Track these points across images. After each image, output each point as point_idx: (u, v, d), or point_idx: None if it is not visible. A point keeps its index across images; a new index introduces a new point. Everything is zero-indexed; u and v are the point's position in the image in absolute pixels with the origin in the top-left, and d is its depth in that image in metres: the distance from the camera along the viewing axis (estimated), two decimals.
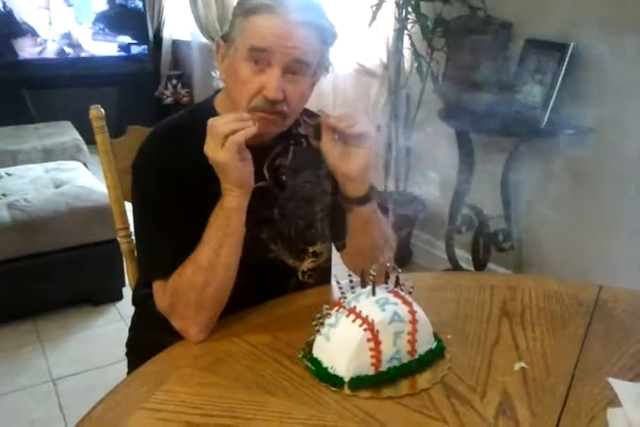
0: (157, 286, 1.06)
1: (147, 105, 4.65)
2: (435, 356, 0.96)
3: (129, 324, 1.35)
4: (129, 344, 1.31)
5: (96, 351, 2.21)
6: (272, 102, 1.00)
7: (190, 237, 1.02)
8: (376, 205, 1.10)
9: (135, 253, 1.36)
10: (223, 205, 1.00)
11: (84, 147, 3.67)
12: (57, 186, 2.63)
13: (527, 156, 2.41)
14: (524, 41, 2.28)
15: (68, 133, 3.75)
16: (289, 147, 1.12)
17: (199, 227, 1.02)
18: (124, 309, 2.47)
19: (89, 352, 2.21)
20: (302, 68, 1.01)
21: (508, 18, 2.34)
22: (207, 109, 1.12)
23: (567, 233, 2.36)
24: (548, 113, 2.16)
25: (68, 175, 2.73)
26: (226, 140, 0.94)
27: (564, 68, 2.11)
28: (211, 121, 0.97)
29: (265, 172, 1.11)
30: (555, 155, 2.31)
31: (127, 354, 1.31)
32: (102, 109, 1.33)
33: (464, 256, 2.68)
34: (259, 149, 1.08)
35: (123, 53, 4.71)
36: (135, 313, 1.30)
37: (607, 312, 1.07)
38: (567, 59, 2.09)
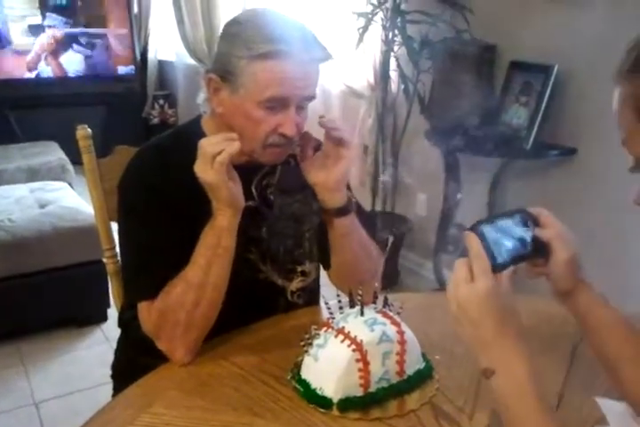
0: (143, 308, 1.05)
1: (133, 125, 4.65)
2: (423, 376, 0.95)
3: (114, 346, 1.33)
4: (114, 367, 1.29)
5: (80, 374, 2.17)
6: (289, 139, 1.02)
7: (177, 257, 1.01)
8: (356, 219, 1.12)
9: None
10: (214, 225, 1.00)
11: (70, 167, 3.65)
12: (42, 206, 2.61)
13: (513, 176, 2.44)
14: (508, 63, 2.32)
15: (53, 153, 3.74)
16: (276, 166, 1.13)
17: (186, 247, 1.01)
18: (109, 330, 2.44)
19: (72, 375, 2.17)
20: (309, 101, 1.04)
21: (493, 40, 2.38)
22: (194, 131, 1.12)
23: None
24: (533, 134, 2.19)
25: (54, 195, 2.72)
26: (214, 161, 0.95)
27: (548, 90, 2.14)
28: (200, 142, 0.98)
29: (253, 191, 1.11)
30: (540, 175, 2.33)
31: (112, 377, 1.29)
32: (89, 129, 1.33)
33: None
34: (247, 169, 1.08)
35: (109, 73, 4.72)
36: (121, 336, 1.28)
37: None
38: (552, 80, 2.13)
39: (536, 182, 2.38)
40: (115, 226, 1.34)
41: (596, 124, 2.12)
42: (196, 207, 1.01)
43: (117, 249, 1.34)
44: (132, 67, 4.73)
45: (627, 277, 2.04)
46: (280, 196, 1.13)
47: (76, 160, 3.83)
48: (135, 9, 4.73)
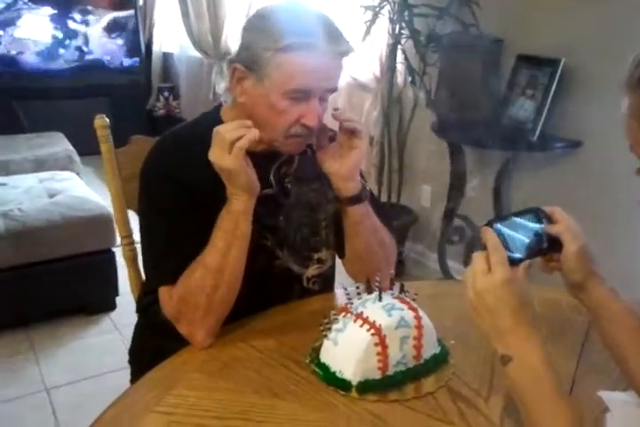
0: (164, 292, 1.07)
1: (138, 117, 4.66)
2: (439, 361, 0.98)
3: (123, 334, 1.35)
4: (132, 352, 1.31)
5: (89, 361, 2.20)
6: (311, 130, 1.05)
7: (197, 243, 1.04)
8: (370, 207, 1.14)
9: (138, 260, 1.37)
10: (230, 209, 1.02)
11: (77, 158, 3.67)
12: (51, 196, 2.63)
13: (519, 168, 2.46)
14: (515, 56, 2.33)
15: (59, 144, 3.75)
16: (294, 155, 1.15)
17: (206, 233, 1.04)
18: (118, 318, 2.48)
19: (83, 362, 2.20)
20: (331, 93, 1.07)
21: (500, 34, 2.40)
22: (214, 120, 1.14)
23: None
24: (539, 127, 2.21)
25: (62, 185, 2.74)
26: (232, 147, 0.97)
27: (555, 84, 2.16)
28: (216, 128, 1.00)
29: (271, 179, 1.13)
30: (545, 167, 2.36)
31: (130, 362, 1.31)
32: (107, 119, 1.35)
33: (456, 267, 2.72)
34: (265, 157, 1.10)
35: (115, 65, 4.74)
36: (139, 321, 1.30)
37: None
38: (558, 74, 2.15)
39: (541, 174, 2.40)
40: (132, 214, 1.37)
41: (602, 117, 2.14)
42: (214, 195, 1.03)
43: (135, 237, 1.38)
44: (137, 59, 4.74)
45: (631, 267, 2.07)
46: (297, 184, 1.16)
47: (82, 151, 3.88)
48: (140, 1, 4.73)
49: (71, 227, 2.41)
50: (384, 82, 2.80)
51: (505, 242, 0.77)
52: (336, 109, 1.09)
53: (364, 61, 2.85)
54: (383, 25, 2.61)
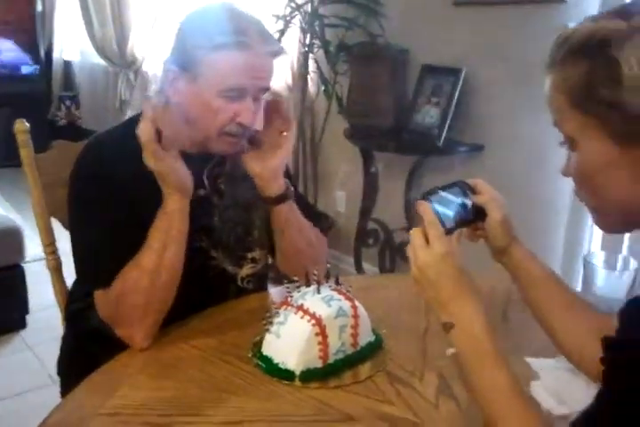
0: (99, 296, 1.07)
1: (39, 126, 4.43)
2: (374, 347, 1.04)
3: (35, 352, 1.31)
4: (61, 363, 1.28)
5: (1, 382, 2.09)
6: (246, 128, 1.07)
7: (132, 244, 1.04)
8: (295, 206, 1.18)
9: (62, 270, 1.35)
10: (165, 210, 1.03)
11: None
12: None
13: (427, 171, 2.59)
14: (420, 66, 2.47)
15: None
16: (226, 156, 1.18)
17: (140, 234, 1.04)
18: (29, 337, 2.37)
19: None
20: (264, 93, 1.09)
21: (406, 45, 2.53)
22: None
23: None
24: (444, 133, 2.35)
25: None
26: (149, 151, 0.99)
27: (457, 92, 2.31)
28: (137, 131, 1.00)
29: (205, 180, 1.15)
30: (451, 170, 2.50)
31: (59, 374, 1.28)
32: (27, 123, 1.32)
33: (371, 269, 2.81)
34: (199, 159, 1.13)
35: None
36: (68, 330, 1.28)
37: (521, 302, 1.20)
38: (460, 83, 2.30)
39: (448, 177, 2.47)
40: (54, 222, 1.35)
41: (501, 122, 2.31)
42: (149, 195, 1.04)
43: (58, 245, 1.35)
44: (37, 66, 4.56)
45: None
46: (230, 185, 1.18)
47: None
48: (39, 7, 4.56)
49: None
50: (296, 90, 2.87)
51: (437, 214, 0.83)
52: (279, 96, 1.12)
53: (276, 70, 2.90)
54: (294, 34, 2.68)
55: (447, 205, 0.86)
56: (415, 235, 0.81)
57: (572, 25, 0.72)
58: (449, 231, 0.83)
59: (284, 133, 1.13)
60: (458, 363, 0.79)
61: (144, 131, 0.98)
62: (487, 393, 0.74)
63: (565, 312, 0.88)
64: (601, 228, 0.78)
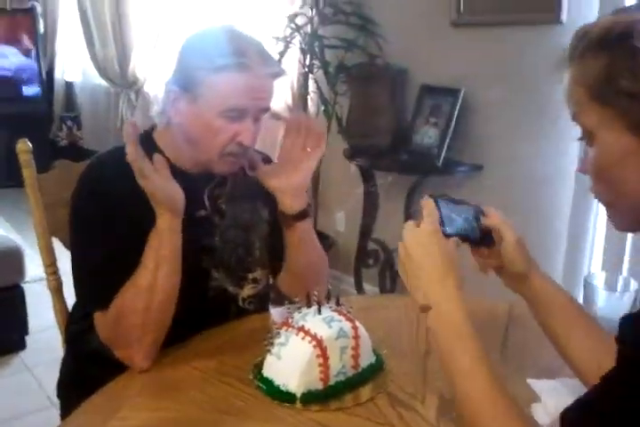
0: (98, 317, 1.07)
1: (41, 147, 4.47)
2: (375, 369, 1.03)
3: (35, 373, 1.30)
4: (61, 386, 1.27)
5: (2, 403, 2.07)
6: (246, 148, 1.08)
7: (132, 266, 1.04)
8: (311, 225, 1.19)
9: (63, 291, 1.35)
10: (156, 228, 1.04)
11: None
12: None
13: (426, 191, 2.60)
14: (419, 86, 2.49)
15: None
16: (227, 177, 1.18)
17: (139, 254, 1.04)
18: (28, 358, 2.35)
19: None
20: (264, 113, 1.11)
21: (405, 65, 2.55)
22: (147, 144, 1.16)
23: (469, 257, 2.55)
24: (443, 153, 2.36)
25: None
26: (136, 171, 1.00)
27: (456, 112, 2.33)
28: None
29: (205, 201, 1.16)
30: (450, 190, 2.50)
31: (60, 396, 1.27)
32: (29, 143, 1.34)
33: (371, 290, 2.81)
34: (199, 179, 1.14)
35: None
36: (68, 352, 1.27)
37: (521, 324, 1.19)
38: (459, 103, 2.31)
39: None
40: (55, 241, 1.35)
41: (500, 142, 2.33)
42: (149, 213, 1.04)
43: (59, 265, 1.35)
44: (38, 87, 4.60)
45: None
46: (231, 205, 1.19)
47: None
48: (41, 29, 4.61)
49: None
50: (296, 110, 2.89)
51: (441, 216, 0.82)
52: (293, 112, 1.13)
53: (276, 91, 2.93)
54: (294, 55, 2.71)
55: (454, 213, 0.85)
56: (409, 223, 0.82)
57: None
58: (448, 235, 0.82)
59: (309, 150, 1.13)
60: (434, 344, 0.78)
61: (128, 151, 1.00)
62: (461, 380, 0.74)
63: (585, 339, 0.87)
64: (615, 226, 0.77)
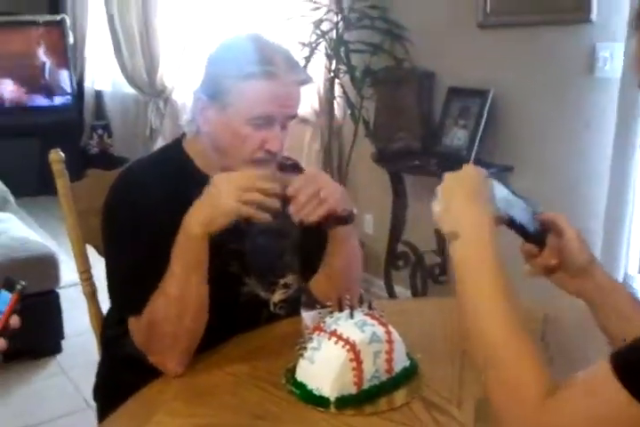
0: (132, 323, 1.08)
1: (72, 155, 4.54)
2: (410, 373, 1.02)
3: (70, 376, 1.32)
4: (97, 389, 1.29)
5: (38, 406, 2.12)
6: (274, 155, 1.08)
7: (162, 271, 1.05)
8: (354, 229, 1.19)
9: (97, 296, 1.37)
10: (188, 236, 1.02)
11: (11, 198, 3.55)
12: None
13: None
14: (447, 89, 2.48)
15: None
16: None
17: (169, 261, 1.05)
18: (65, 362, 2.40)
19: (31, 408, 2.11)
20: (291, 120, 1.12)
21: (432, 68, 2.54)
22: (177, 152, 1.17)
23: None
24: (473, 154, 2.34)
25: (0, 227, 2.66)
26: (243, 193, 0.99)
27: (485, 113, 2.31)
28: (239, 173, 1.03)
29: None
30: None
31: (96, 399, 1.29)
32: (62, 153, 1.36)
33: (403, 292, 2.79)
34: None
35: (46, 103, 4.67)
36: (104, 357, 1.29)
37: (557, 327, 1.18)
38: (488, 104, 2.29)
39: None
40: (90, 249, 1.37)
41: (530, 143, 2.30)
42: (179, 221, 1.03)
43: (93, 271, 1.37)
44: (69, 97, 4.69)
45: None
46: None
47: (16, 192, 3.76)
48: (70, 40, 4.71)
49: (13, 268, 2.33)
50: (323, 115, 2.90)
51: (494, 199, 0.78)
52: None
53: (303, 97, 2.94)
54: (320, 61, 2.72)
55: (512, 202, 0.81)
56: None
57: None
58: (506, 223, 0.79)
59: None
60: (457, 275, 0.73)
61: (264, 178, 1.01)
62: (480, 317, 0.70)
63: None
64: None
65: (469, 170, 0.80)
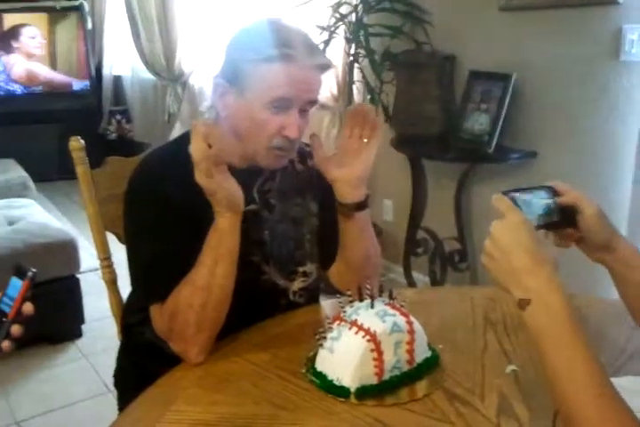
0: (155, 310, 1.07)
1: (90, 141, 4.54)
2: (431, 364, 1.01)
3: (91, 361, 1.32)
4: (117, 375, 1.30)
5: (59, 391, 2.15)
6: (292, 141, 1.07)
7: (186, 260, 1.04)
8: (369, 215, 1.18)
9: (117, 283, 1.37)
10: (216, 227, 1.03)
11: (31, 184, 3.59)
12: (10, 223, 2.58)
13: (477, 179, 2.55)
14: (468, 72, 2.43)
15: (12, 171, 3.67)
16: (276, 171, 1.18)
17: (194, 250, 1.05)
18: (85, 346, 2.42)
19: (52, 392, 2.14)
20: (311, 106, 1.09)
21: (452, 51, 2.50)
22: None
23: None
24: (495, 139, 2.30)
25: (21, 212, 2.68)
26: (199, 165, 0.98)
27: (508, 97, 2.26)
28: (189, 149, 0.99)
29: (255, 195, 1.15)
30: (503, 178, 2.45)
31: (116, 385, 1.30)
32: (82, 140, 1.35)
33: (421, 279, 2.77)
34: (248, 174, 1.13)
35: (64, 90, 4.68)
36: (123, 343, 1.29)
37: (580, 317, 1.15)
38: (510, 88, 2.25)
39: (499, 185, 2.48)
40: (110, 236, 1.37)
41: (554, 128, 2.25)
42: (201, 210, 1.04)
43: (113, 258, 1.37)
44: (87, 82, 4.70)
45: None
46: (280, 199, 1.18)
47: (36, 178, 3.80)
48: (89, 25, 4.70)
49: (34, 254, 2.36)
50: (342, 100, 2.87)
51: (520, 209, 0.79)
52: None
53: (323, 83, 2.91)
54: (339, 44, 2.68)
55: (533, 203, 0.83)
56: (494, 220, 0.78)
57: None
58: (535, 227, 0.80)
59: (365, 140, 1.12)
60: (534, 343, 0.71)
61: (196, 149, 0.97)
62: (564, 381, 0.67)
63: None
64: None
65: (515, 218, 0.76)
